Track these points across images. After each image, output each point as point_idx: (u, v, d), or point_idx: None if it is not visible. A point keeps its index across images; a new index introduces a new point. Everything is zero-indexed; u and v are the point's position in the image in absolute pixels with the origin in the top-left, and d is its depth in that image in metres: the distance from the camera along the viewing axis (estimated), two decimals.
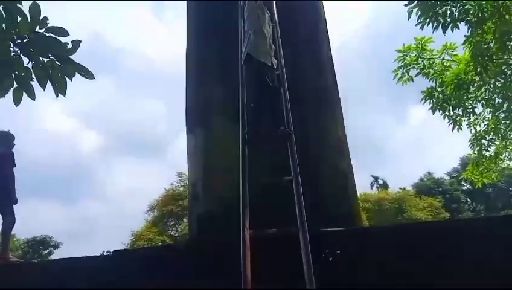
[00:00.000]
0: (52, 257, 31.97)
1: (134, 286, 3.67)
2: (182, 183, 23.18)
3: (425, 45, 8.37)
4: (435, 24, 6.61)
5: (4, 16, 2.19)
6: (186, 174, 6.23)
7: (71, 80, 2.40)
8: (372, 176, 42.77)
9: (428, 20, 6.66)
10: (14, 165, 5.40)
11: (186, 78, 5.46)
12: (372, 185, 42.34)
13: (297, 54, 4.83)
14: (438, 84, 8.48)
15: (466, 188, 39.47)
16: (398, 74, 8.66)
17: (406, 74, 8.60)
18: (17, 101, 2.44)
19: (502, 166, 9.60)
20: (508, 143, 9.11)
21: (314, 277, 2.98)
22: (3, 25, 2.20)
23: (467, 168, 10.03)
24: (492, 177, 9.20)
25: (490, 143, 8.96)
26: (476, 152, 9.16)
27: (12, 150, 5.45)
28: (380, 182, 43.10)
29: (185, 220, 20.75)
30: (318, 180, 4.44)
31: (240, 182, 3.48)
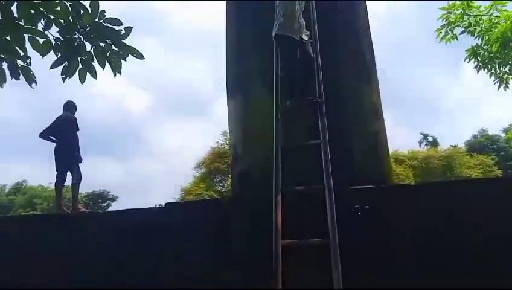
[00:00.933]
0: (110, 209, 34.63)
1: (184, 237, 4.23)
2: (227, 142, 23.89)
3: (471, 2, 7.99)
4: None
5: (70, 10, 2.63)
6: None
7: (125, 60, 2.83)
8: (421, 133, 41.61)
9: None
10: (78, 129, 6.14)
11: (226, 47, 5.76)
12: (421, 143, 41.30)
13: (334, 21, 4.96)
14: (484, 42, 8.14)
15: None
16: (441, 32, 8.38)
17: (451, 32, 8.31)
18: (82, 79, 2.92)
19: None
20: None
21: (339, 232, 3.34)
22: (70, 18, 2.65)
23: (507, 131, 9.74)
24: None
25: None
26: None
27: (75, 116, 6.18)
28: (430, 139, 41.90)
29: (230, 176, 21.65)
30: (351, 142, 4.71)
31: (273, 147, 3.85)
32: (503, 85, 8.46)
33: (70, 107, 6.23)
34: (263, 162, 4.30)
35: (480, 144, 38.00)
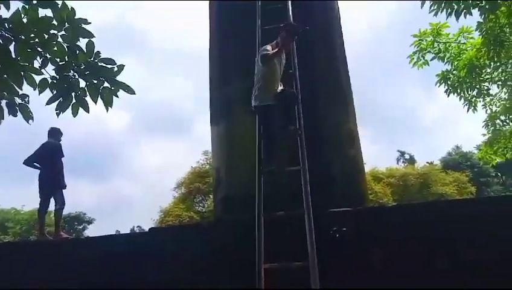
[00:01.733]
0: (87, 232, 33.82)
1: (168, 260, 4.33)
2: (208, 162, 23.94)
3: (440, 30, 8.52)
4: (449, 11, 6.80)
5: (67, 50, 2.81)
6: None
7: (117, 96, 3.01)
8: (398, 151, 42.61)
9: (441, 7, 6.86)
10: (63, 156, 6.21)
11: (210, 73, 5.98)
12: (398, 160, 42.25)
13: (312, 53, 5.25)
14: (453, 67, 8.67)
15: (496, 162, 38.43)
16: (414, 58, 8.87)
17: (422, 58, 8.81)
18: (74, 113, 3.08)
19: None
20: None
21: (317, 254, 3.53)
22: (66, 57, 2.83)
23: (480, 148, 10.26)
24: (507, 156, 9.44)
25: (505, 123, 9.14)
26: (490, 132, 9.38)
27: (60, 143, 6.25)
28: (407, 156, 42.92)
29: (211, 196, 21.59)
30: (330, 168, 4.95)
31: (256, 175, 4.07)
32: (472, 108, 8.99)
33: (55, 133, 6.29)
34: (245, 186, 4.48)
35: (455, 161, 39.10)
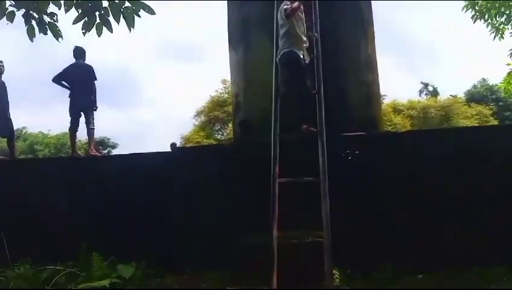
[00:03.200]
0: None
1: (191, 177, 4.66)
2: (226, 90, 23.96)
3: None
4: None
5: None
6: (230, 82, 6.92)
7: (139, 15, 3.10)
8: (422, 82, 41.38)
9: None
10: (96, 78, 6.24)
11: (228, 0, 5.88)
12: (421, 92, 41.19)
13: None
14: None
15: None
16: None
17: None
18: (99, 33, 3.21)
19: None
20: None
21: (329, 173, 3.76)
22: None
23: (503, 79, 9.99)
24: None
25: None
26: None
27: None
28: (430, 88, 41.77)
29: (229, 125, 21.97)
30: (346, 91, 5.02)
31: (273, 94, 4.20)
32: (499, 36, 8.63)
33: (82, 53, 6.19)
34: (264, 111, 4.64)
35: (480, 94, 37.96)
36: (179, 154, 5.04)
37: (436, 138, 4.70)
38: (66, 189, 5.02)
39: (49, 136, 31.69)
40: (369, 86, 5.31)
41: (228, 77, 6.68)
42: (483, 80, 41.48)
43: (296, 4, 4.37)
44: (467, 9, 8.42)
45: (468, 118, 29.35)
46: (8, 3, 3.18)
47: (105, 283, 3.74)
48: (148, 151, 5.11)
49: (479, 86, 40.83)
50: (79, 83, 6.07)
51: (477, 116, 29.94)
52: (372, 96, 5.36)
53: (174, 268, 4.40)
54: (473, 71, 64.85)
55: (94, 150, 6.18)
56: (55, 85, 6.12)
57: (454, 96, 34.49)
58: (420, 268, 3.88)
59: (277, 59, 4.56)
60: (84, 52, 6.26)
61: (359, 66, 5.19)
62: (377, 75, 5.57)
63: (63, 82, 6.13)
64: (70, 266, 4.28)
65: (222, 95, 25.54)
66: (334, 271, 3.50)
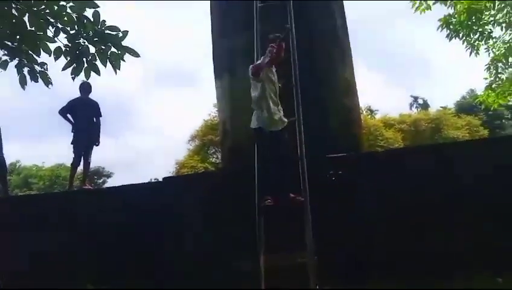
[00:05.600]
0: (106, 185, 34.95)
1: (183, 203, 4.82)
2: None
3: None
4: None
5: (76, 20, 3.15)
6: None
7: (123, 60, 3.36)
8: (411, 96, 42.02)
9: None
10: (101, 115, 6.34)
11: (212, 25, 6.14)
12: (411, 106, 41.78)
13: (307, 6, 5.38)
14: (455, 10, 8.57)
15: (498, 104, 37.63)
16: (415, 3, 8.80)
17: (424, 2, 8.74)
18: (87, 76, 3.47)
19: None
20: None
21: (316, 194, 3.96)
22: (76, 26, 3.17)
23: (482, 92, 10.31)
24: (508, 98, 9.50)
25: (507, 66, 9.13)
26: (492, 75, 9.40)
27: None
28: (420, 101, 42.38)
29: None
30: (326, 119, 5.24)
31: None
32: (474, 52, 8.97)
33: (88, 88, 6.24)
34: (250, 136, 4.83)
35: (469, 105, 38.47)
36: (169, 184, 5.21)
37: (409, 155, 4.94)
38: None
39: (43, 168, 31.62)
40: (349, 111, 5.55)
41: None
42: (471, 90, 42.23)
43: (261, 62, 4.03)
44: (442, 29, 8.79)
45: (459, 128, 29.69)
46: (1, 52, 3.44)
47: None
48: (139, 183, 5.28)
49: (467, 96, 41.49)
50: (86, 119, 6.14)
51: (467, 127, 30.35)
52: (352, 121, 5.59)
53: None
54: (462, 82, 65.97)
55: (87, 184, 6.33)
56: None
57: (444, 108, 35.02)
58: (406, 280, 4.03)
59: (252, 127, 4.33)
60: (91, 87, 6.29)
61: (339, 94, 5.44)
62: (357, 98, 5.83)
63: (69, 116, 6.16)
64: None
65: (215, 118, 25.79)
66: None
